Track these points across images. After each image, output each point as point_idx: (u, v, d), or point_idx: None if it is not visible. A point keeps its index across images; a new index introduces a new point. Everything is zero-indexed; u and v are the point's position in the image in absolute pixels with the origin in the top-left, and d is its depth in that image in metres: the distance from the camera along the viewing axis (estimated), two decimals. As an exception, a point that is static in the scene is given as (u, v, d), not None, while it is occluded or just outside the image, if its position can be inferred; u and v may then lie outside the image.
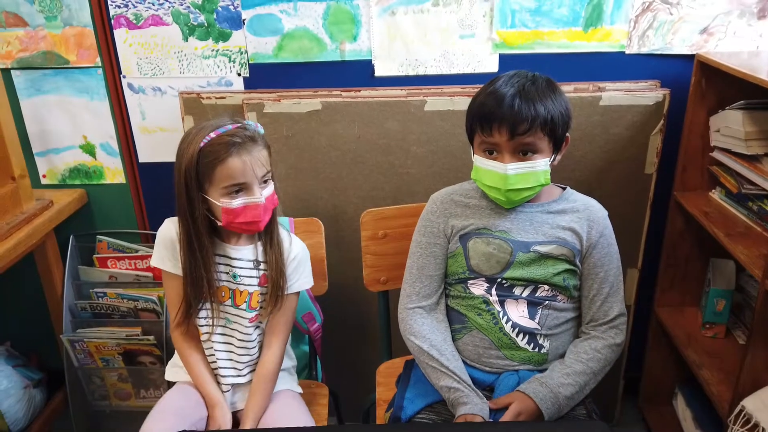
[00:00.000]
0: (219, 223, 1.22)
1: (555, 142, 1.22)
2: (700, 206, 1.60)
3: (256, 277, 1.30)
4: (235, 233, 1.28)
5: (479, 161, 1.24)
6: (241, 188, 1.19)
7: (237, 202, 1.18)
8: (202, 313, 1.29)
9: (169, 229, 1.27)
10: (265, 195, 1.21)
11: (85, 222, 1.93)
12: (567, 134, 1.25)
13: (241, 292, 1.29)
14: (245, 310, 1.30)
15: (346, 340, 1.88)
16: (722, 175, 1.59)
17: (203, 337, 1.31)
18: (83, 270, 1.92)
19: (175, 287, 1.28)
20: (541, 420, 1.17)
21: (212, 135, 1.17)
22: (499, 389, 1.23)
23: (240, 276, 1.29)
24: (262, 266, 1.30)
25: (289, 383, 1.40)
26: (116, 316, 1.90)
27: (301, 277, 1.35)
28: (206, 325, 1.30)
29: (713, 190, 1.65)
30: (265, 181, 1.23)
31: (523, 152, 1.20)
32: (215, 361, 1.31)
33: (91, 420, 2.00)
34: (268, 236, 1.29)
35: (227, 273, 1.29)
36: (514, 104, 1.16)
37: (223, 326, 1.31)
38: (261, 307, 1.31)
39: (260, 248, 1.30)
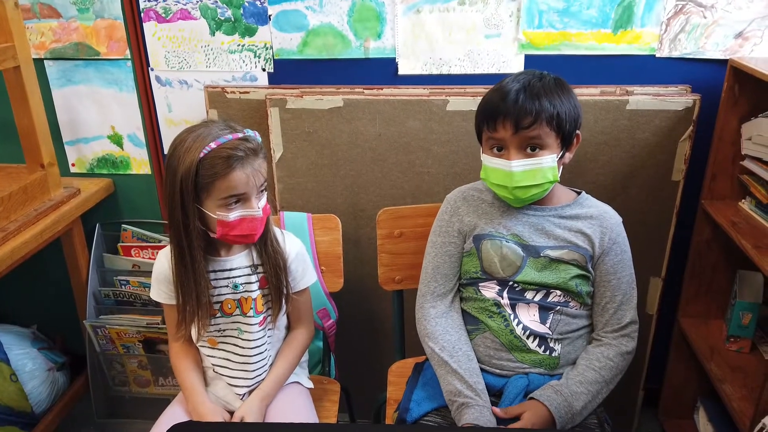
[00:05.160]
0: (212, 235, 1.20)
1: (563, 138, 1.20)
2: (728, 216, 1.55)
3: (256, 282, 1.29)
4: (226, 245, 1.27)
5: (486, 160, 1.24)
6: (239, 199, 1.17)
7: (234, 215, 1.16)
8: (213, 328, 1.29)
9: (162, 263, 1.28)
10: (261, 206, 1.19)
11: (111, 211, 1.97)
12: (577, 132, 1.24)
13: (246, 299, 1.29)
14: (253, 315, 1.29)
15: (360, 337, 1.88)
16: (753, 185, 1.54)
17: (210, 351, 1.32)
18: (108, 258, 1.96)
19: (173, 313, 1.29)
20: (552, 428, 1.15)
21: (212, 145, 1.13)
22: (507, 392, 1.21)
23: (240, 284, 1.28)
24: (259, 269, 1.29)
25: (299, 376, 1.41)
26: (138, 304, 1.93)
27: (306, 273, 1.36)
28: (219, 336, 1.30)
29: (743, 200, 1.59)
30: (261, 191, 1.21)
31: (531, 147, 1.18)
32: (231, 371, 1.31)
33: (111, 405, 2.04)
34: (261, 241, 1.27)
35: (227, 286, 1.28)
36: (518, 99, 1.15)
37: (236, 337, 1.31)
38: (268, 309, 1.31)
39: (255, 252, 1.29)
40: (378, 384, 1.59)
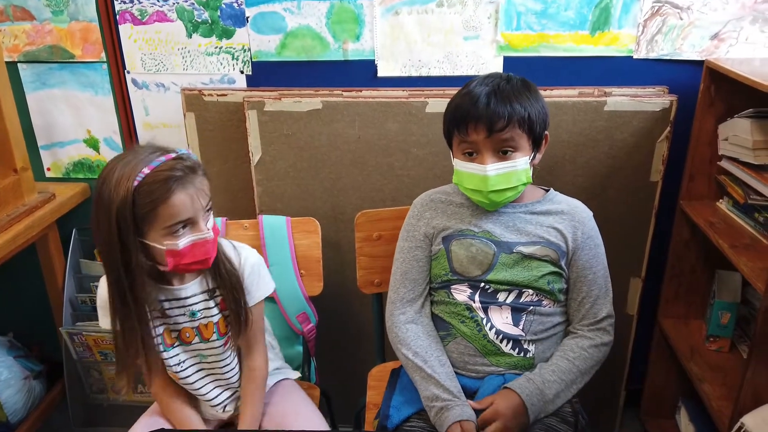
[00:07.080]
0: (162, 268, 1.12)
1: (534, 140, 1.21)
2: (706, 216, 1.56)
3: (215, 306, 1.22)
4: (177, 273, 1.18)
5: (459, 164, 1.23)
6: (186, 224, 1.09)
7: (183, 242, 1.08)
8: (172, 360, 1.23)
9: (105, 289, 1.16)
10: (211, 227, 1.13)
11: (88, 216, 1.92)
12: (546, 132, 1.24)
13: (205, 325, 1.22)
14: (216, 339, 1.23)
15: (340, 341, 1.87)
16: (729, 185, 1.54)
17: (178, 380, 1.26)
18: (85, 263, 1.93)
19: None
20: (525, 417, 1.14)
21: (146, 171, 1.04)
22: (482, 390, 1.21)
23: (198, 311, 1.21)
24: (217, 292, 1.22)
25: (283, 372, 1.39)
26: (115, 311, 1.90)
27: (260, 285, 1.27)
28: (180, 369, 1.24)
29: (720, 200, 1.60)
30: (208, 211, 1.13)
31: (503, 151, 1.18)
32: (203, 395, 1.27)
33: (89, 413, 2.01)
34: (214, 264, 1.18)
35: (183, 314, 1.21)
36: (490, 102, 1.15)
37: (199, 362, 1.25)
38: (231, 329, 1.25)
39: (209, 277, 1.21)
40: (359, 388, 1.57)
